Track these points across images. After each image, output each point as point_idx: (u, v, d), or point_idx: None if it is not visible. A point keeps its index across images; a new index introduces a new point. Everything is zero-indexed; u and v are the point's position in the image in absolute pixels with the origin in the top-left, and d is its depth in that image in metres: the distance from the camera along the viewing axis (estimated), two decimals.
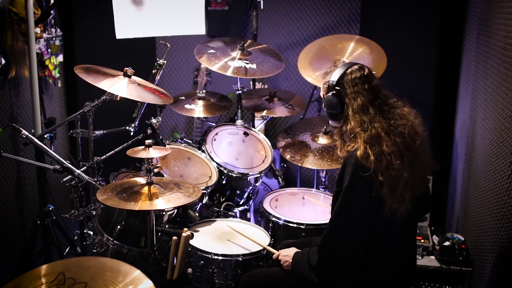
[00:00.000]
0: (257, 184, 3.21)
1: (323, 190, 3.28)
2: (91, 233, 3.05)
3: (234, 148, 3.29)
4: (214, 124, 3.37)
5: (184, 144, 3.22)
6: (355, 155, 1.90)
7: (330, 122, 2.14)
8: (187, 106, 3.37)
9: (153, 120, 2.92)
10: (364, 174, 1.86)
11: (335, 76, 2.02)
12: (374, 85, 2.00)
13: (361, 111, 1.96)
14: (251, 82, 4.07)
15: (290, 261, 2.18)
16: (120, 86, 2.62)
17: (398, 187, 1.88)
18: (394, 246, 2.01)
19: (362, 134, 1.92)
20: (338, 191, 1.96)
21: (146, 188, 2.27)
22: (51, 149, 2.78)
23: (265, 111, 3.44)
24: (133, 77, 2.72)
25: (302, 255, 2.12)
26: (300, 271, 2.09)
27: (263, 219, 2.94)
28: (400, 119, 1.96)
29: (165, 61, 3.10)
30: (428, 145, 2.02)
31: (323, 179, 3.37)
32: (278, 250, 2.48)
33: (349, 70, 2.01)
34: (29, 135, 2.52)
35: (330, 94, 2.03)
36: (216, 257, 2.51)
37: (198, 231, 2.75)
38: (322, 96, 2.13)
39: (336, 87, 2.01)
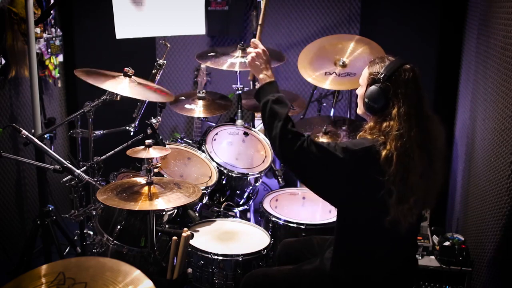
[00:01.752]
0: (257, 184, 3.21)
1: None
2: (91, 233, 3.05)
3: (234, 148, 3.29)
4: (214, 124, 3.37)
5: (184, 144, 3.22)
6: (377, 147, 1.85)
7: (359, 110, 2.08)
8: (187, 106, 3.37)
9: (153, 120, 2.92)
10: (374, 174, 1.83)
11: (387, 71, 1.94)
12: (422, 90, 1.95)
13: (404, 116, 1.89)
14: (251, 82, 4.06)
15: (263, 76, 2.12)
16: (121, 86, 2.62)
17: (409, 202, 1.85)
18: (395, 246, 2.01)
19: (396, 141, 1.86)
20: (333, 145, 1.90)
21: (146, 188, 2.27)
22: (51, 149, 2.78)
23: None
24: (133, 77, 2.72)
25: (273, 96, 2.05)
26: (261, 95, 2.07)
27: (263, 219, 2.94)
28: (432, 136, 1.93)
29: (165, 61, 3.10)
30: (444, 162, 1.99)
31: None
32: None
33: (403, 68, 1.95)
34: (29, 135, 2.52)
35: (376, 86, 1.95)
36: (216, 257, 2.51)
37: (198, 231, 2.75)
38: (363, 84, 2.04)
39: (387, 83, 1.93)
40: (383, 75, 1.94)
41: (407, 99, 1.91)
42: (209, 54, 3.30)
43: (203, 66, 3.97)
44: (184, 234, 2.32)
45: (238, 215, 3.16)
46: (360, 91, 2.07)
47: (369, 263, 1.99)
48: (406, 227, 1.87)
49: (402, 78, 1.93)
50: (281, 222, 2.80)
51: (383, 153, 1.84)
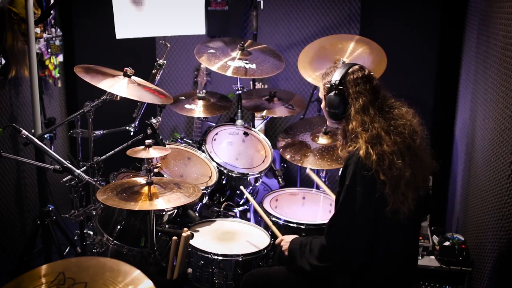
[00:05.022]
0: (257, 184, 3.21)
1: (323, 190, 3.27)
2: (91, 233, 3.05)
3: (234, 148, 3.29)
4: (214, 124, 3.37)
5: (184, 144, 3.22)
6: (357, 154, 1.92)
7: (328, 122, 2.16)
8: (187, 106, 3.37)
9: (153, 120, 2.92)
10: (366, 174, 1.87)
11: (337, 76, 2.03)
12: (375, 85, 2.03)
13: (362, 112, 1.97)
14: (251, 82, 4.07)
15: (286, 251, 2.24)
16: (120, 86, 2.62)
17: (400, 186, 1.89)
18: (396, 245, 2.01)
19: (363, 134, 1.94)
20: (340, 191, 1.98)
21: (146, 188, 2.27)
22: (51, 149, 2.78)
23: (265, 111, 3.44)
24: (133, 77, 2.72)
25: (301, 245, 2.16)
26: (295, 257, 2.16)
27: (263, 219, 2.94)
28: (399, 119, 1.98)
29: (165, 61, 3.10)
30: (427, 144, 2.04)
31: (323, 179, 3.37)
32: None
33: (351, 70, 2.03)
34: (29, 135, 2.52)
35: (332, 93, 2.04)
36: (216, 257, 2.51)
37: (198, 231, 2.75)
38: (322, 96, 2.14)
39: (339, 87, 2.02)
40: (334, 81, 2.02)
41: (360, 96, 1.99)
42: (208, 51, 3.30)
43: (203, 66, 3.97)
44: (184, 234, 2.32)
45: (238, 215, 3.16)
46: (322, 104, 2.15)
47: (369, 262, 1.99)
48: (406, 214, 1.90)
49: (352, 78, 2.01)
50: (281, 222, 2.80)
51: (361, 153, 1.90)
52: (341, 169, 2.01)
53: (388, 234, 1.97)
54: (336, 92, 2.03)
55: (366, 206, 1.91)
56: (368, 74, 2.04)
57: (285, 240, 2.31)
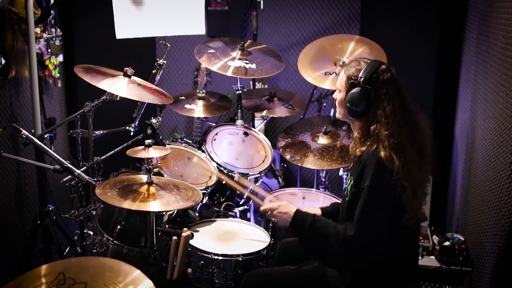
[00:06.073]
0: (257, 184, 3.21)
1: (323, 190, 3.27)
2: (91, 233, 3.05)
3: (234, 148, 3.29)
4: (214, 124, 3.37)
5: (184, 144, 3.22)
6: (377, 155, 1.88)
7: (341, 115, 2.09)
8: (187, 106, 3.38)
9: (153, 120, 2.92)
10: (389, 177, 1.85)
11: (365, 74, 1.95)
12: (402, 88, 1.97)
13: (391, 116, 1.91)
14: (251, 82, 4.07)
15: (289, 218, 2.13)
16: (120, 86, 2.62)
17: (418, 194, 1.90)
18: (398, 248, 2.01)
19: (387, 140, 1.89)
20: (357, 192, 1.93)
21: (145, 188, 2.27)
22: (51, 149, 2.78)
23: (265, 111, 3.44)
24: (133, 77, 2.72)
25: (314, 220, 2.06)
26: (301, 228, 2.07)
27: (263, 219, 2.94)
28: (421, 129, 1.96)
29: (165, 61, 3.10)
30: (432, 153, 2.02)
31: (323, 179, 3.37)
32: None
33: (380, 69, 1.95)
34: (29, 135, 2.52)
35: (356, 90, 1.96)
36: (216, 257, 2.51)
37: (198, 231, 2.75)
38: (341, 88, 2.05)
39: (367, 85, 1.94)
40: (362, 78, 1.95)
41: (390, 99, 1.93)
42: (208, 51, 3.30)
43: (203, 66, 3.97)
44: (184, 234, 2.32)
45: (238, 215, 3.16)
46: (339, 96, 2.08)
47: (371, 263, 1.99)
48: (420, 220, 1.93)
49: (381, 79, 1.94)
50: None
51: (382, 154, 1.87)
52: (357, 169, 1.94)
53: (394, 236, 1.96)
54: (361, 90, 1.95)
55: (388, 207, 1.89)
56: (396, 75, 1.97)
57: (284, 205, 2.18)
